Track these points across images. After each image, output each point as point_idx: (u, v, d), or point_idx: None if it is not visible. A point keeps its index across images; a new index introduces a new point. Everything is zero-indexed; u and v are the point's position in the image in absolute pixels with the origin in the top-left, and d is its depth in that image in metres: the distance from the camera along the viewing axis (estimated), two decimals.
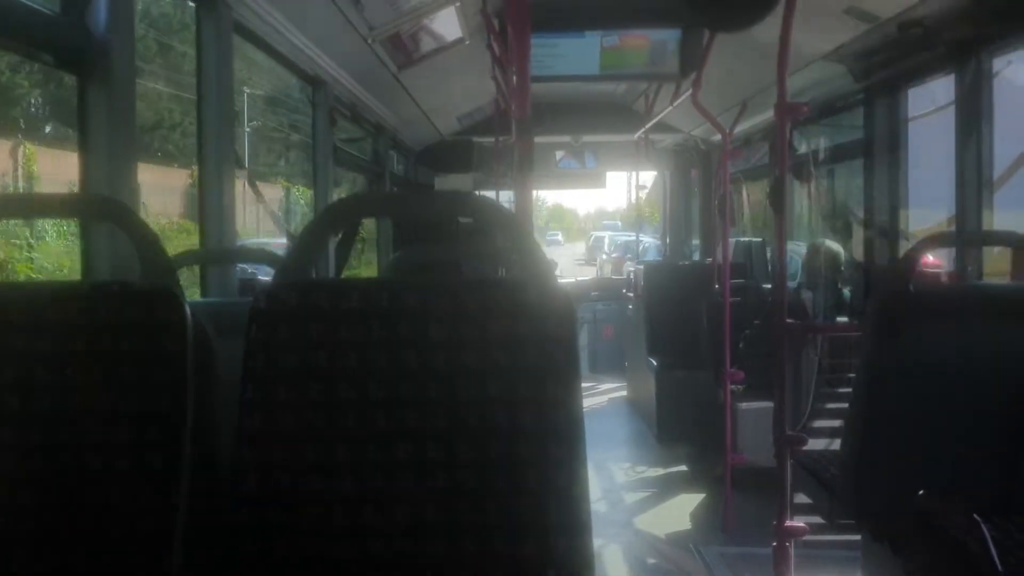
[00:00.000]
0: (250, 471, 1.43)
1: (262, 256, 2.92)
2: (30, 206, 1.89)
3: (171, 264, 1.63)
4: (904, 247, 4.62)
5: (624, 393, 8.39)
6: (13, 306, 1.56)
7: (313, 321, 1.47)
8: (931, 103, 4.53)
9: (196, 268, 3.53)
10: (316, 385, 1.45)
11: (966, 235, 3.77)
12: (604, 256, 29.97)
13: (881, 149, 4.78)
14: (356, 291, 1.52)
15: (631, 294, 8.28)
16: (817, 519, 3.05)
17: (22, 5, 2.23)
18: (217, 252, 3.30)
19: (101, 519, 1.50)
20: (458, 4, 4.95)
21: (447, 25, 5.34)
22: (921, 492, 2.20)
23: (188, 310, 1.55)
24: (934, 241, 2.90)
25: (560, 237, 54.25)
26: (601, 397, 8.43)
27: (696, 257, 9.01)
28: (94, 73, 2.40)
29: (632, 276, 8.34)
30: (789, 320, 3.12)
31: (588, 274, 24.46)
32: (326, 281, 2.30)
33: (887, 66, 4.42)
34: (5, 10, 2.16)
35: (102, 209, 1.86)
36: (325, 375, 1.46)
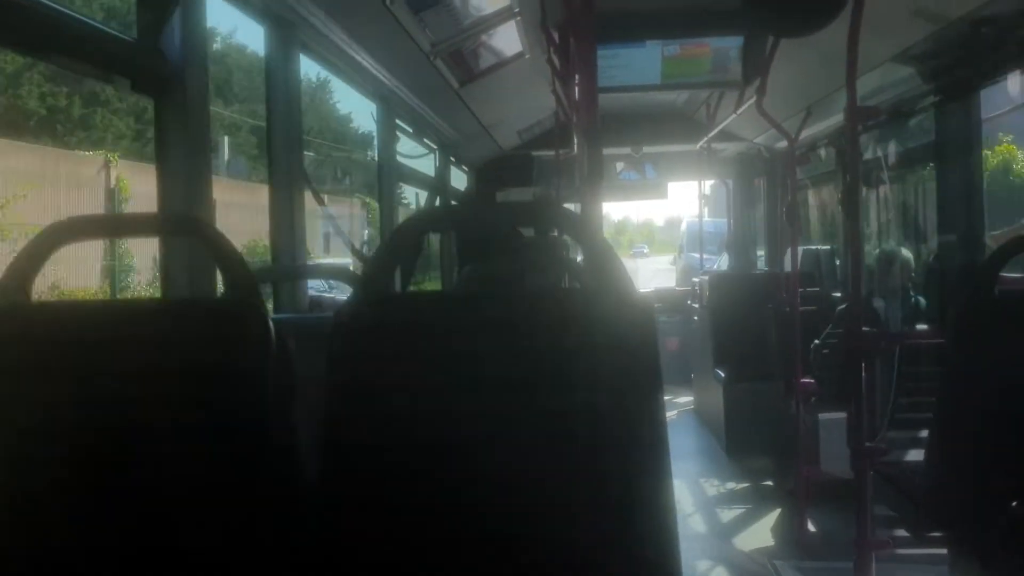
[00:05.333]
0: (334, 484, 1.44)
1: (337, 273, 2.96)
2: (115, 225, 1.94)
3: (254, 280, 1.65)
4: (981, 251, 4.48)
5: (691, 406, 8.29)
6: (100, 322, 1.60)
7: (395, 335, 1.48)
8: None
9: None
10: (399, 398, 1.46)
11: None
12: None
13: (954, 152, 4.66)
14: (436, 305, 1.52)
15: (696, 305, 8.19)
16: (899, 532, 2.97)
17: (101, 32, 2.30)
18: (293, 268, 3.35)
19: (183, 532, 1.52)
20: (518, 19, 4.98)
21: (507, 40, 5.38)
22: (1014, 503, 2.13)
23: (272, 325, 1.57)
24: (1018, 245, 2.80)
25: (646, 249, 54.53)
26: (668, 410, 8.32)
27: (762, 267, 8.89)
28: (170, 95, 2.46)
29: (698, 287, 8.26)
30: (865, 329, 3.05)
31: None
32: (406, 296, 2.32)
33: (959, 67, 4.31)
34: (85, 37, 2.22)
35: (185, 226, 1.90)
36: (407, 388, 1.46)
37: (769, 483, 5.55)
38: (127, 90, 2.43)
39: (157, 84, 2.46)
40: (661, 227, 71.75)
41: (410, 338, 1.47)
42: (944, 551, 2.74)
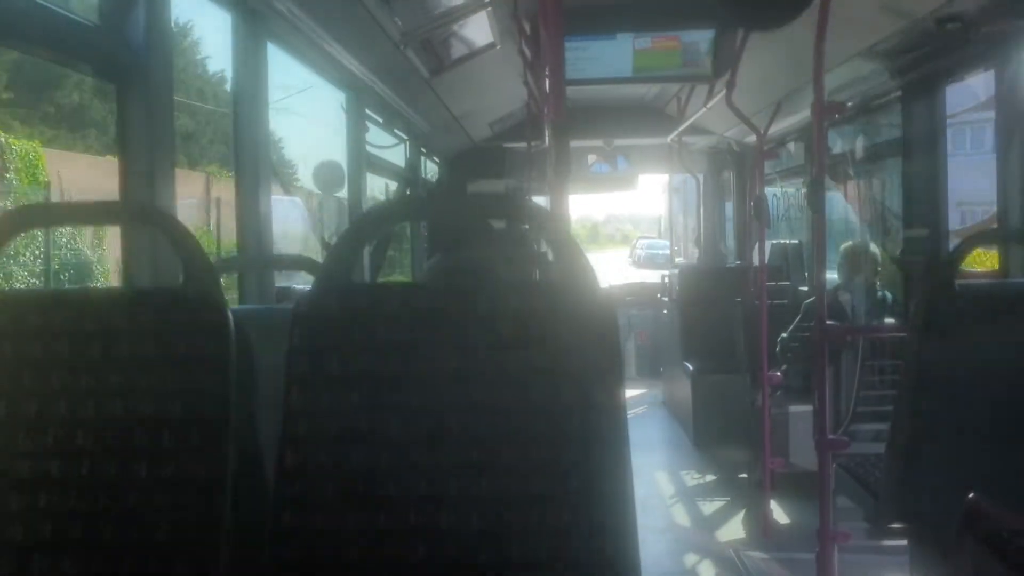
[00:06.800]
0: (293, 476, 1.43)
1: (301, 263, 2.95)
2: (73, 213, 1.91)
3: (213, 270, 1.64)
4: (945, 246, 4.54)
5: (660, 397, 8.35)
6: (58, 312, 1.58)
7: (355, 326, 1.47)
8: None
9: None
10: (358, 389, 1.45)
11: (1010, 233, 3.70)
12: None
13: (919, 147, 4.71)
14: (397, 295, 1.51)
15: (666, 298, 8.24)
16: (861, 523, 3.01)
17: (63, 16, 2.26)
18: (256, 259, 3.33)
19: (146, 524, 1.50)
20: (489, 9, 4.95)
21: (478, 30, 5.35)
22: (971, 495, 2.16)
23: (231, 316, 1.55)
24: (978, 239, 2.84)
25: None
26: (636, 401, 8.39)
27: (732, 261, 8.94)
28: (132, 82, 2.43)
29: (667, 280, 8.30)
30: (829, 322, 3.08)
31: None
32: (367, 286, 2.30)
33: (925, 62, 4.35)
34: (46, 21, 2.19)
35: (144, 215, 1.88)
36: (367, 379, 1.45)
37: (736, 475, 5.60)
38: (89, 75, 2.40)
39: (120, 70, 2.43)
40: (602, 222, 71.49)
41: (370, 329, 1.46)
42: (904, 542, 2.78)
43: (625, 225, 69.72)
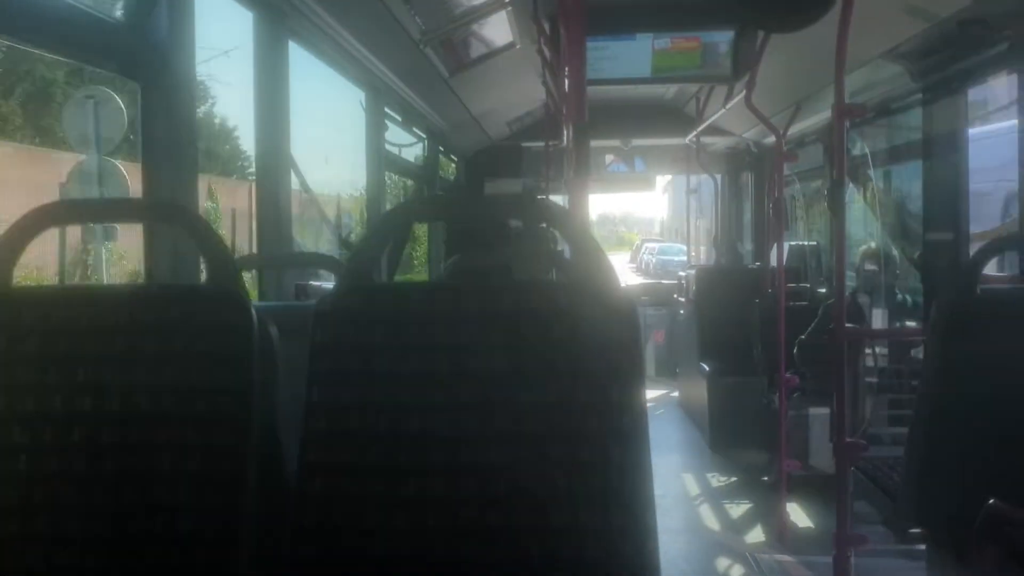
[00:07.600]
0: (315, 472, 1.44)
1: (322, 261, 2.96)
2: (98, 211, 1.93)
3: (237, 267, 1.65)
4: (966, 249, 4.50)
5: (676, 399, 8.32)
6: (83, 307, 1.59)
7: (377, 324, 1.47)
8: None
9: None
10: (379, 388, 1.45)
11: None
12: None
13: (940, 150, 4.67)
14: (418, 295, 1.52)
15: (682, 299, 8.21)
16: (879, 527, 3.00)
17: (86, 14, 2.28)
18: (278, 256, 3.34)
19: (169, 519, 1.51)
20: (509, 9, 4.96)
21: (498, 30, 5.36)
22: (991, 500, 2.14)
23: (254, 312, 1.56)
24: (1000, 244, 2.82)
25: None
26: (652, 402, 8.37)
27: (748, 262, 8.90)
28: (155, 80, 2.45)
29: (684, 281, 8.28)
30: (849, 325, 3.07)
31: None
32: (389, 285, 2.31)
33: (947, 65, 4.32)
34: (70, 19, 2.21)
35: (168, 213, 1.89)
36: (388, 378, 1.46)
37: (752, 477, 5.58)
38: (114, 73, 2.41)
39: (143, 68, 2.44)
40: (596, 223, 71.35)
41: (393, 327, 1.47)
42: (922, 547, 2.77)
43: (619, 227, 69.07)
